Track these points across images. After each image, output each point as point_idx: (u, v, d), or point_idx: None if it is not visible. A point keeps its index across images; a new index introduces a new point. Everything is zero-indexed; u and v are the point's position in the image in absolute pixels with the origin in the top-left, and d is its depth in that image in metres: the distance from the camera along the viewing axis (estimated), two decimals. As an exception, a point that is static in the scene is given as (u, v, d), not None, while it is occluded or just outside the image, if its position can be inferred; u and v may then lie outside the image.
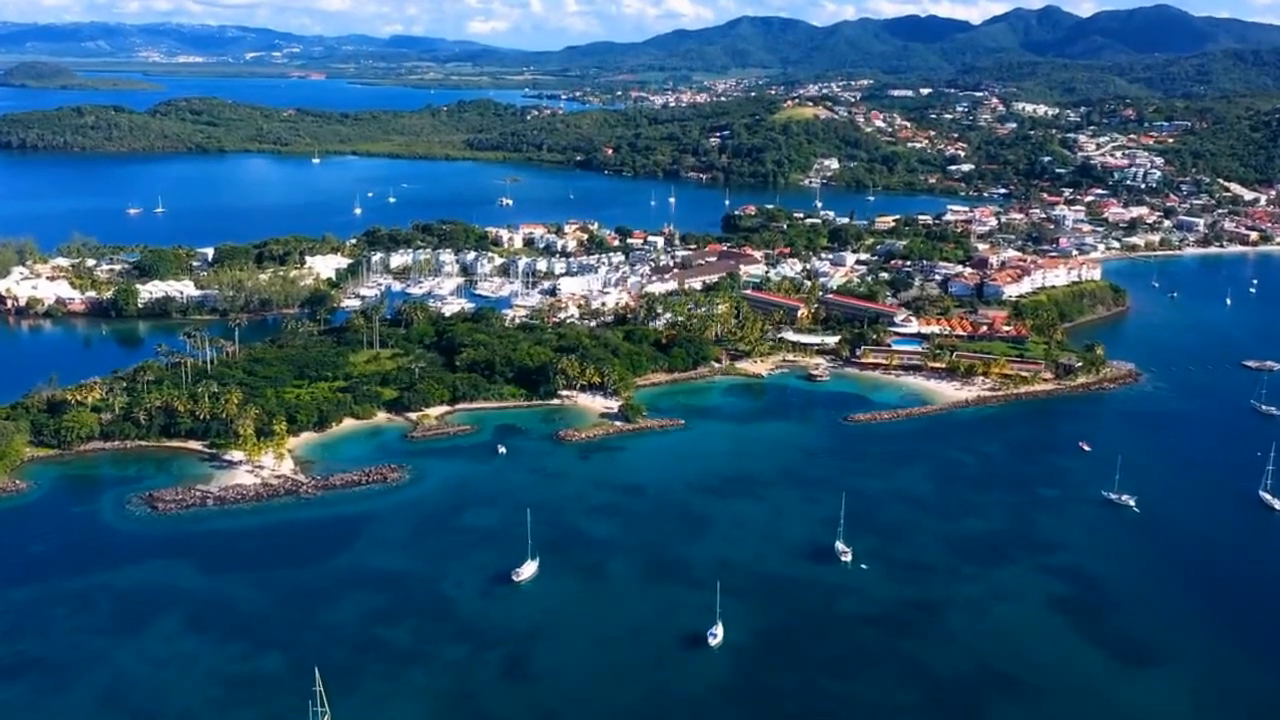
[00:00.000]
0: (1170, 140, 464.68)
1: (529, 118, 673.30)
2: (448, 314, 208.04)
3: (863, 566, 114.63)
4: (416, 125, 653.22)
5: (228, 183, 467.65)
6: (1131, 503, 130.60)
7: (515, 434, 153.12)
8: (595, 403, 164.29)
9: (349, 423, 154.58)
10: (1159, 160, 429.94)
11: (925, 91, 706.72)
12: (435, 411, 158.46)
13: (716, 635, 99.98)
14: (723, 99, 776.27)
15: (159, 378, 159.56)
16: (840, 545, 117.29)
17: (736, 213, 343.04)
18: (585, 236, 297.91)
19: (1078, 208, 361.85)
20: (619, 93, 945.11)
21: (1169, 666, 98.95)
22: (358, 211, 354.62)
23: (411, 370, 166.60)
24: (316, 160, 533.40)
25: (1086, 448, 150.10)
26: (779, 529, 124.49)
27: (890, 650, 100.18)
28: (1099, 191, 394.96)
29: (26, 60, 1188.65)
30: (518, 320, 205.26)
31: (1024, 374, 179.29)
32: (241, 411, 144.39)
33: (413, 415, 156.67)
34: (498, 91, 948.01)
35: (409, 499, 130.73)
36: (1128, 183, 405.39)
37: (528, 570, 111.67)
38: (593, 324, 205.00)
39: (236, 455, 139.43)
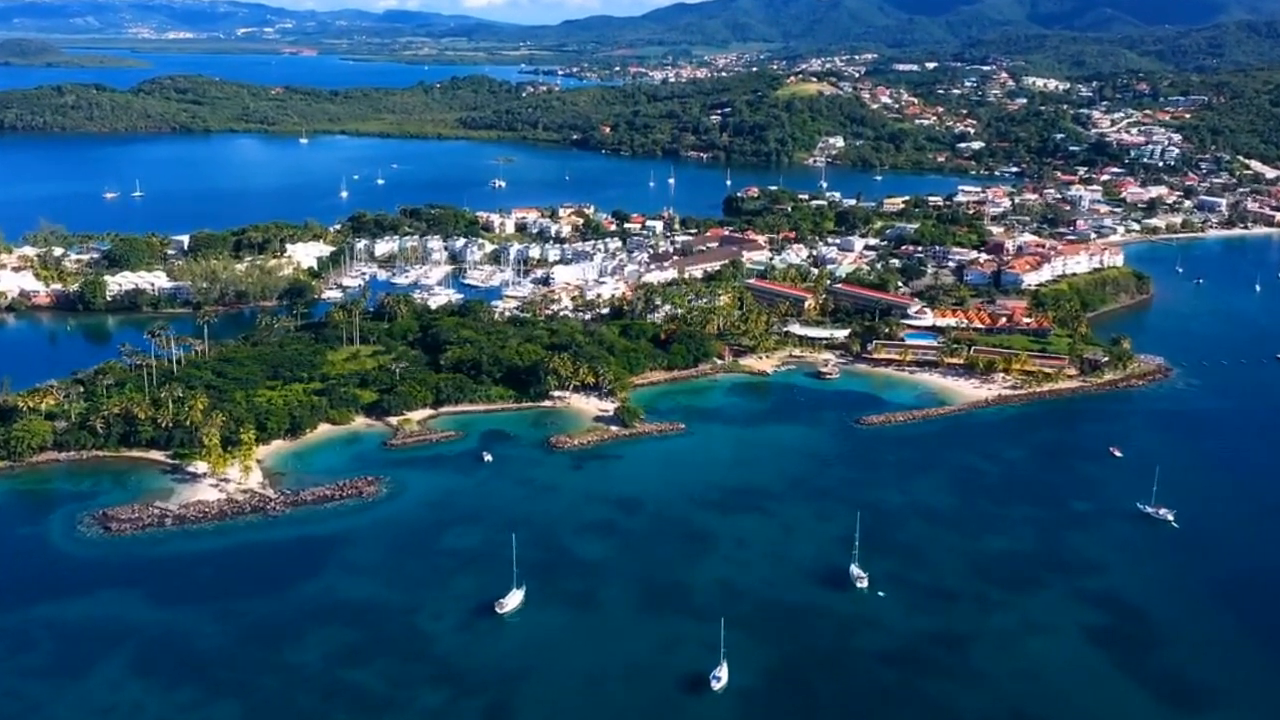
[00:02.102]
0: (1187, 116, 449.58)
1: (524, 95, 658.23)
2: (434, 306, 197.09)
3: (880, 594, 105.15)
4: (408, 103, 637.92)
5: (211, 164, 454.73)
6: (1170, 517, 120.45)
7: (503, 440, 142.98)
8: (589, 404, 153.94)
9: (324, 429, 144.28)
10: (1176, 137, 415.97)
11: (931, 66, 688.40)
12: (417, 415, 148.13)
13: (720, 678, 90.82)
14: (723, 74, 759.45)
15: (120, 380, 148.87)
16: (855, 569, 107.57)
17: (739, 194, 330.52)
18: (581, 221, 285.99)
19: (1094, 187, 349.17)
20: (617, 68, 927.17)
21: (1223, 709, 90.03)
22: (344, 195, 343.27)
23: (393, 370, 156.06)
24: (304, 140, 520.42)
25: (1118, 453, 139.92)
26: (788, 549, 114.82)
27: (912, 692, 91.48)
28: (1115, 170, 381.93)
29: (12, 37, 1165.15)
30: (508, 313, 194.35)
31: (1047, 370, 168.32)
32: (207, 418, 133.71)
33: (393, 420, 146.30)
34: (493, 67, 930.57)
35: (385, 517, 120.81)
36: (1145, 161, 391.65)
37: (512, 600, 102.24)
38: (587, 316, 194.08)
39: (200, 467, 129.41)
